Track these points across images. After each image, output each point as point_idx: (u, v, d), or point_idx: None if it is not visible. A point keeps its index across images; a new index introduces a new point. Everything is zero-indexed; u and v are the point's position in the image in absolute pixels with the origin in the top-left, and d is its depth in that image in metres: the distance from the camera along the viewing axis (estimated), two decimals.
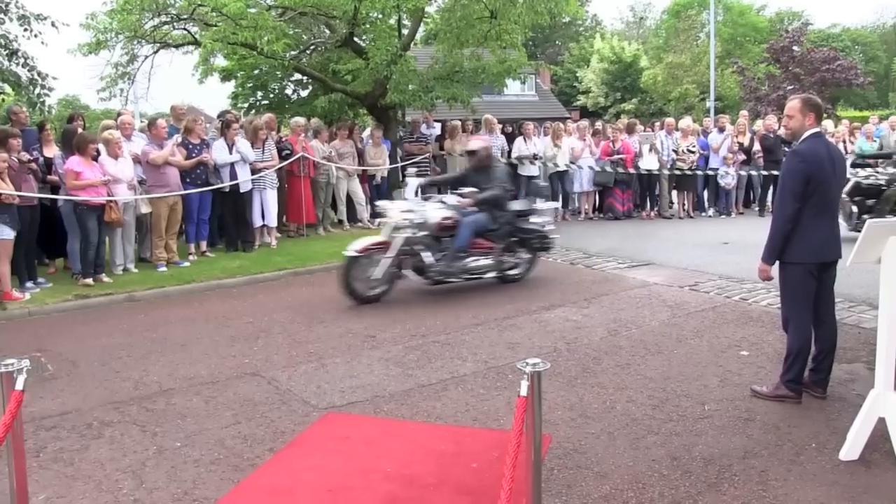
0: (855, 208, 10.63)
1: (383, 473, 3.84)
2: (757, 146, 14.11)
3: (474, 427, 4.50)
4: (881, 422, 3.88)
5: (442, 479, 3.77)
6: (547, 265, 9.48)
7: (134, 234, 9.52)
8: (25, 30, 10.62)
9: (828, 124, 15.32)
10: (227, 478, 3.90)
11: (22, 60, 10.70)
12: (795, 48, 25.44)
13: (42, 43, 10.90)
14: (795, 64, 24.97)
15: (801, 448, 4.06)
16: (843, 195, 10.15)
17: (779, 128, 14.12)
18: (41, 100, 10.95)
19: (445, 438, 4.30)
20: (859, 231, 3.81)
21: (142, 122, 11.55)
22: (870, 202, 10.59)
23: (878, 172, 11.16)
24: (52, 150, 9.00)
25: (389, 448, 4.16)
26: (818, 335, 4.71)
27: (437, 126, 14.89)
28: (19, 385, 2.88)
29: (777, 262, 4.71)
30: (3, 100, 11.99)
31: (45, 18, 10.77)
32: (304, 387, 5.24)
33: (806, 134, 4.67)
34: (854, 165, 11.95)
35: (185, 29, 13.03)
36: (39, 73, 10.76)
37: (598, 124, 15.79)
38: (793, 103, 4.78)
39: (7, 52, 10.61)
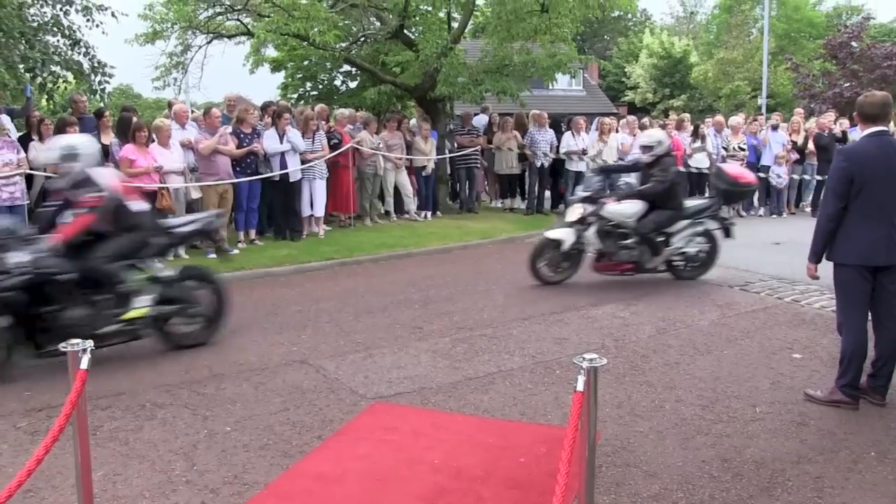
0: None
1: (431, 465, 3.86)
2: (811, 145, 13.78)
3: (522, 421, 4.49)
4: None
5: (489, 472, 3.78)
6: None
7: None
8: (88, 20, 10.87)
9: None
10: (276, 463, 3.96)
11: (84, 50, 10.96)
12: (854, 44, 24.69)
13: (103, 33, 11.17)
14: (854, 60, 24.26)
15: (860, 456, 3.96)
16: None
17: (835, 126, 13.82)
18: (101, 87, 11.22)
19: (493, 432, 4.30)
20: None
21: (193, 111, 11.72)
22: None
23: None
24: (109, 138, 9.20)
25: (437, 440, 4.17)
26: (878, 340, 4.59)
27: (485, 118, 14.83)
28: (84, 364, 2.95)
29: (832, 264, 4.62)
30: (66, 87, 12.31)
31: (107, 9, 11.01)
32: (351, 376, 5.29)
33: (865, 132, 4.56)
34: None
35: (237, 19, 13.23)
36: (100, 62, 11.01)
37: (646, 120, 15.56)
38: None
39: (70, 41, 10.87)
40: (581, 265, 8.12)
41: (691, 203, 8.40)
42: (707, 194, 13.66)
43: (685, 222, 8.09)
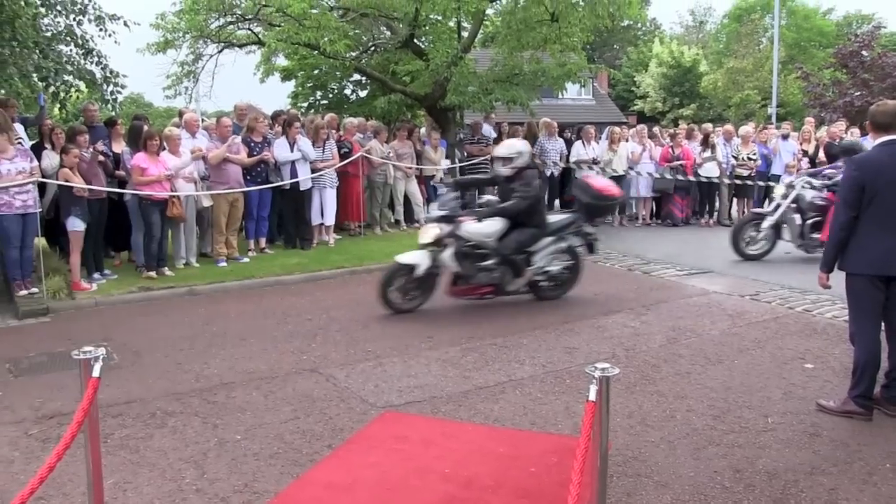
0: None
1: (441, 474, 3.85)
2: (822, 154, 13.71)
3: (532, 431, 4.48)
4: None
5: (500, 482, 3.76)
6: (604, 270, 9.39)
7: (195, 229, 9.72)
8: (101, 29, 10.95)
9: None
10: (286, 472, 3.96)
11: (96, 59, 11.04)
12: (865, 53, 24.59)
13: (115, 42, 11.24)
14: (865, 69, 24.16)
15: (874, 468, 3.92)
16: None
17: (846, 135, 13.74)
18: (114, 97, 11.29)
19: (503, 441, 4.29)
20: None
21: (204, 120, 11.79)
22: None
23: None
24: (120, 146, 9.25)
25: (447, 449, 4.16)
26: (891, 350, 4.56)
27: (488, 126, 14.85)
28: (96, 372, 2.97)
29: (844, 273, 4.59)
30: (79, 97, 12.39)
31: (119, 18, 11.09)
32: (361, 385, 5.28)
33: (877, 141, 4.54)
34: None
35: (249, 29, 13.32)
36: (112, 72, 11.09)
37: (655, 129, 15.53)
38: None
39: (83, 51, 10.95)
40: (435, 290, 7.42)
41: (554, 219, 7.85)
42: (720, 202, 13.74)
43: (548, 240, 7.62)
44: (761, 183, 13.58)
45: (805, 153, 13.76)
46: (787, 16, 41.71)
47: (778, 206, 9.90)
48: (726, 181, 13.66)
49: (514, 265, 7.45)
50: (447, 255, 7.21)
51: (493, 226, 7.31)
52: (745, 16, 41.70)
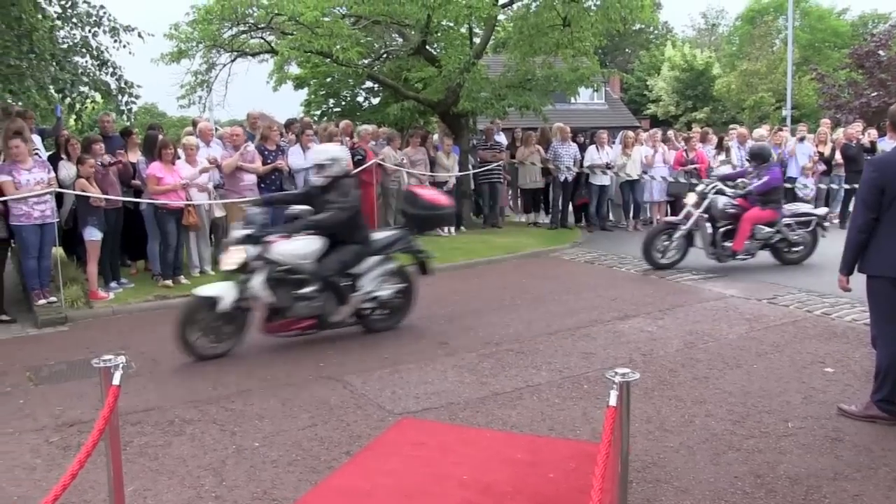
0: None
1: (459, 480, 3.84)
2: (838, 156, 13.62)
3: (550, 437, 4.46)
4: None
5: (518, 488, 3.75)
6: (619, 274, 9.35)
7: (209, 238, 9.77)
8: (115, 41, 11.07)
9: None
10: (304, 479, 3.96)
11: (111, 70, 11.15)
12: (882, 52, 24.40)
13: (130, 53, 11.36)
14: (881, 69, 23.96)
15: None
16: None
17: (863, 136, 13.65)
18: (128, 107, 11.40)
19: (521, 447, 4.27)
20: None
21: (217, 129, 11.87)
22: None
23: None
24: (136, 156, 9.32)
25: (465, 455, 4.15)
26: None
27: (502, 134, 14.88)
28: (116, 380, 2.98)
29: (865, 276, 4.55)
30: (94, 107, 12.53)
31: (133, 30, 11.20)
32: (378, 392, 5.28)
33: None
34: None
35: (261, 38, 13.41)
36: (127, 82, 11.21)
37: (670, 133, 15.49)
38: None
39: (98, 62, 11.07)
40: (247, 328, 6.31)
41: (379, 235, 7.01)
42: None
43: (374, 259, 6.73)
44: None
45: (821, 155, 13.67)
46: (801, 17, 41.47)
47: (689, 213, 9.44)
48: None
49: (337, 291, 6.48)
50: (256, 283, 6.13)
51: (309, 245, 6.35)
52: (758, 17, 41.50)
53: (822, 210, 10.27)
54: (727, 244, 9.41)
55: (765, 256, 9.68)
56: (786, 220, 9.56)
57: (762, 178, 9.31)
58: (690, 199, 9.52)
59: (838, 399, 4.88)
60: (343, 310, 6.60)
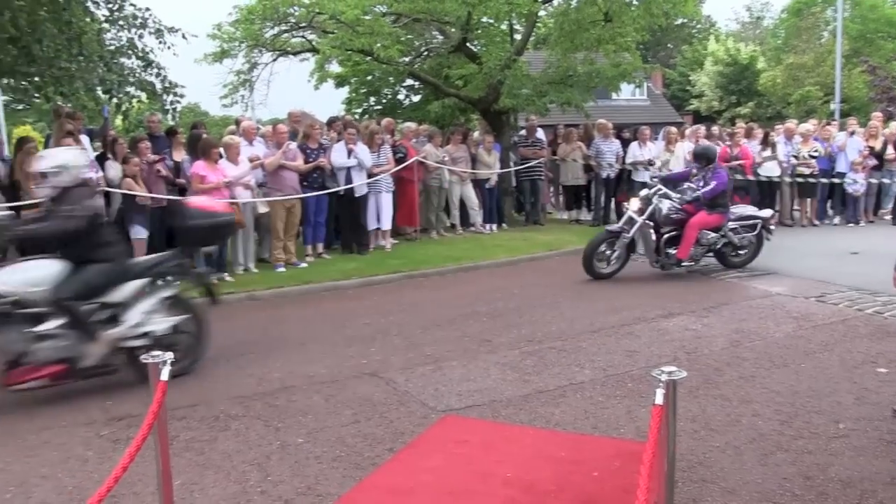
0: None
1: (503, 478, 3.82)
2: (890, 150, 13.25)
3: (594, 435, 4.42)
4: None
5: (562, 487, 3.72)
6: (662, 272, 9.23)
7: (254, 236, 9.89)
8: (160, 42, 11.30)
9: None
10: (348, 475, 3.98)
11: (156, 71, 11.37)
12: None
13: (174, 54, 11.58)
14: None
15: None
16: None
17: None
18: (173, 107, 11.61)
19: (565, 445, 4.24)
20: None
21: (259, 127, 12.02)
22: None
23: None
24: (181, 155, 9.48)
25: (508, 453, 4.13)
26: None
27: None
28: (164, 376, 3.04)
29: None
30: (140, 108, 12.80)
31: (177, 31, 11.41)
32: (421, 389, 5.29)
33: None
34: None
35: (303, 37, 13.54)
36: (171, 83, 11.42)
37: (715, 129, 15.23)
38: None
39: (144, 63, 11.30)
40: None
41: (142, 259, 6.05)
42: (768, 204, 13.12)
43: (137, 284, 5.51)
44: (825, 181, 13.21)
45: (871, 150, 13.31)
46: (852, 7, 40.41)
47: (631, 219, 8.87)
48: (787, 180, 13.31)
49: (80, 321, 5.17)
50: None
51: (41, 269, 5.18)
52: (805, 9, 40.56)
53: (767, 212, 9.75)
54: (671, 251, 8.94)
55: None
56: (731, 224, 9.10)
57: (710, 184, 8.75)
58: (633, 204, 9.01)
59: (893, 401, 4.73)
60: (95, 348, 5.25)
